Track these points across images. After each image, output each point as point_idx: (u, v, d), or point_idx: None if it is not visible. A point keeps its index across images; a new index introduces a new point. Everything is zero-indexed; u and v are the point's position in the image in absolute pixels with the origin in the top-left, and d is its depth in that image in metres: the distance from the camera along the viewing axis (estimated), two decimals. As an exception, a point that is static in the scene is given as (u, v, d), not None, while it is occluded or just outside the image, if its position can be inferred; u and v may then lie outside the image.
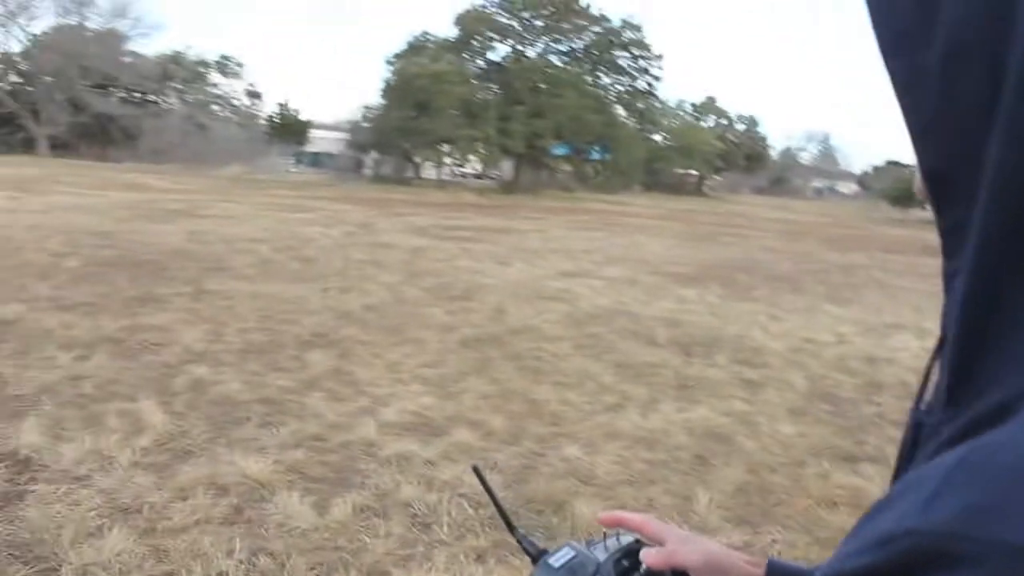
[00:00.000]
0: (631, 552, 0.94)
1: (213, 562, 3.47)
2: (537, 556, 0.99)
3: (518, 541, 1.06)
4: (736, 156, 72.67)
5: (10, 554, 3.51)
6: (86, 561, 3.43)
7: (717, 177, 73.14)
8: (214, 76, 65.48)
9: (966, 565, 0.33)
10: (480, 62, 50.62)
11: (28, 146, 56.95)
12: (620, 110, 51.51)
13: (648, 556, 0.89)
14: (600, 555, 0.95)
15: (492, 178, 57.23)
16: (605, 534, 1.00)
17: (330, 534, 3.83)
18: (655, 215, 33.90)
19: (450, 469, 4.65)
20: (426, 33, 50.51)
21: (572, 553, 0.96)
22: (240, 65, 64.90)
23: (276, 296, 9.42)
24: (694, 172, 67.65)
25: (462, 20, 49.02)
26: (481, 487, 1.13)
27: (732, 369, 7.39)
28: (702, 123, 71.70)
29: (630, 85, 51.26)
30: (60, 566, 3.41)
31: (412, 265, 12.87)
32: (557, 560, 0.96)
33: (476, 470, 1.15)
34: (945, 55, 0.43)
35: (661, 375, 7.02)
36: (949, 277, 0.47)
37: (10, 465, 4.41)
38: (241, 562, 3.49)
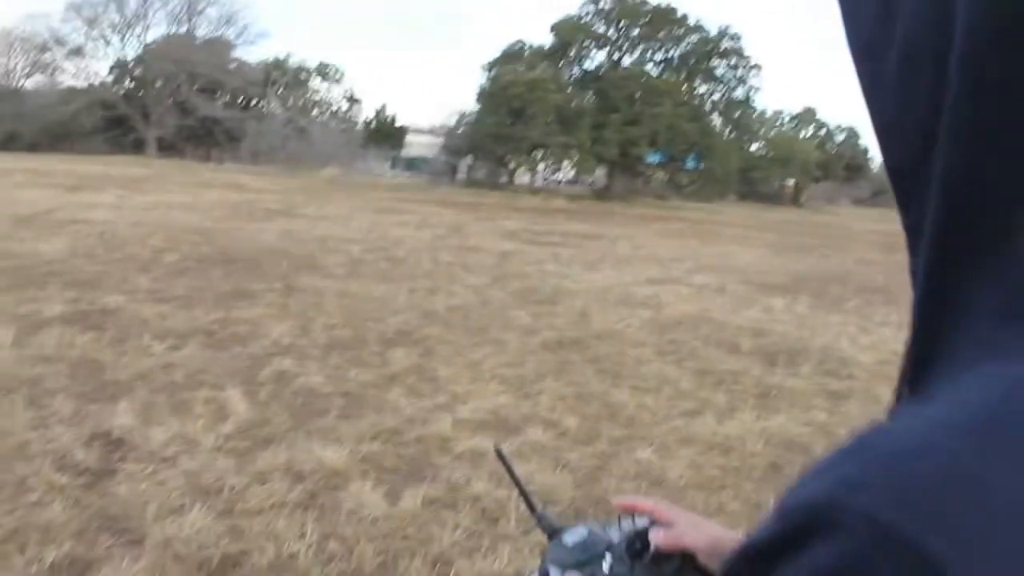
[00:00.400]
0: (644, 534, 0.97)
1: (285, 544, 3.59)
2: (553, 534, 1.02)
3: (537, 519, 1.09)
4: (835, 166, 70.98)
5: (101, 525, 3.70)
6: (168, 536, 3.59)
7: (815, 187, 71.53)
8: (315, 82, 67.20)
9: (837, 535, 0.35)
10: (576, 70, 50.65)
11: (138, 147, 59.37)
12: (716, 119, 50.89)
13: (657, 537, 0.92)
14: (614, 536, 0.98)
15: (586, 185, 57.20)
16: (620, 517, 1.02)
17: (399, 523, 3.91)
18: (749, 224, 33.38)
19: (522, 466, 4.68)
20: (521, 41, 50.81)
21: (586, 532, 0.99)
22: (340, 71, 66.42)
23: (363, 295, 9.62)
24: (791, 182, 66.34)
25: (559, 28, 49.11)
26: (504, 470, 1.16)
27: (816, 380, 7.26)
28: (801, 133, 70.31)
29: (727, 94, 50.59)
30: (144, 539, 3.57)
31: (499, 268, 12.96)
32: (571, 538, 0.99)
33: (498, 452, 1.19)
34: (900, 61, 0.45)
35: (742, 383, 6.94)
36: (913, 274, 0.49)
37: (104, 444, 4.63)
38: (311, 545, 3.60)
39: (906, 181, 0.47)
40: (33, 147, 56.38)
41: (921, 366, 0.46)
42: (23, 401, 5.15)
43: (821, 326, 9.97)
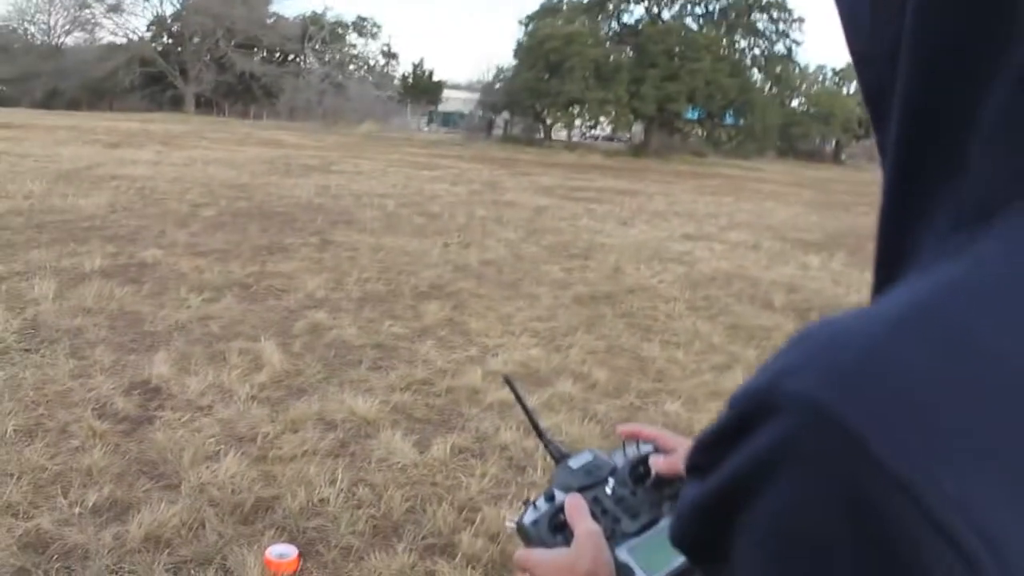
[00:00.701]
0: (646, 460, 1.00)
1: (316, 489, 3.68)
2: (560, 459, 1.06)
3: (545, 445, 1.12)
4: (878, 123, 69.63)
5: (140, 470, 3.82)
6: (203, 481, 3.70)
7: (856, 144, 70.29)
8: (352, 37, 67.06)
9: (776, 416, 0.38)
10: (614, 24, 50.00)
11: (176, 103, 59.81)
12: (756, 74, 50.06)
13: (657, 462, 0.95)
14: (619, 460, 1.01)
15: (623, 141, 56.74)
16: (625, 444, 1.05)
17: (428, 471, 3.99)
18: (787, 182, 33.01)
19: (551, 418, 4.74)
20: (561, -6, 50.24)
21: (591, 456, 1.02)
22: (377, 26, 66.33)
23: (398, 249, 9.69)
24: (833, 139, 65.28)
25: (597, -19, 48.46)
26: (513, 396, 1.19)
27: (849, 336, 7.21)
28: (844, 89, 68.98)
29: (768, 48, 49.64)
30: (180, 483, 3.68)
31: (534, 223, 12.97)
32: (577, 462, 1.02)
33: (507, 380, 1.22)
34: None
35: (773, 338, 6.93)
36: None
37: (143, 393, 4.75)
38: (342, 491, 3.69)
39: (878, 104, 0.50)
40: (73, 104, 57.04)
41: (884, 273, 0.49)
42: (65, 351, 5.29)
43: (856, 283, 9.90)
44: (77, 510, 3.40)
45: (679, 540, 0.47)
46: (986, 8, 0.42)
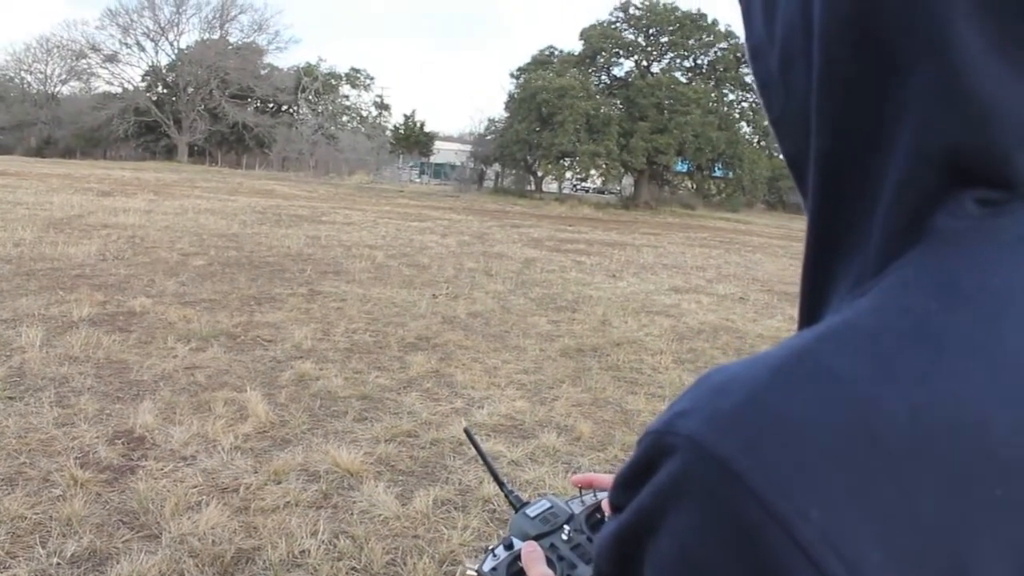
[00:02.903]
0: (601, 506, 1.03)
1: (297, 540, 3.68)
2: (519, 507, 1.09)
3: (505, 495, 1.15)
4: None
5: (120, 520, 3.81)
6: (184, 531, 3.69)
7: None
8: (345, 88, 67.73)
9: (671, 455, 0.42)
10: (604, 77, 50.60)
11: (169, 152, 60.20)
12: (745, 127, 50.59)
13: (608, 507, 0.99)
14: (576, 508, 1.04)
15: (613, 193, 57.11)
16: (581, 491, 1.08)
17: (410, 523, 3.99)
18: (776, 234, 33.24)
19: (534, 470, 4.76)
20: (551, 47, 50.93)
21: (548, 504, 1.06)
22: (371, 78, 67.11)
23: (386, 300, 9.72)
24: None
25: (587, 35, 49.11)
26: (473, 448, 1.23)
27: (833, 389, 7.24)
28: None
29: (756, 102, 50.04)
30: (160, 534, 3.67)
31: (522, 275, 13.03)
32: (534, 510, 1.05)
33: (467, 432, 1.26)
34: (779, 61, 0.53)
35: (758, 392, 6.95)
36: None
37: (126, 442, 4.75)
38: (323, 543, 3.69)
39: (798, 169, 0.55)
40: (68, 152, 57.35)
41: (803, 327, 0.54)
42: (50, 399, 5.29)
43: (842, 336, 9.93)
44: (55, 560, 3.39)
45: (599, 573, 0.51)
46: (872, 90, 0.46)
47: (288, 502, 4.10)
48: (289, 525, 3.83)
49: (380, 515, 4.04)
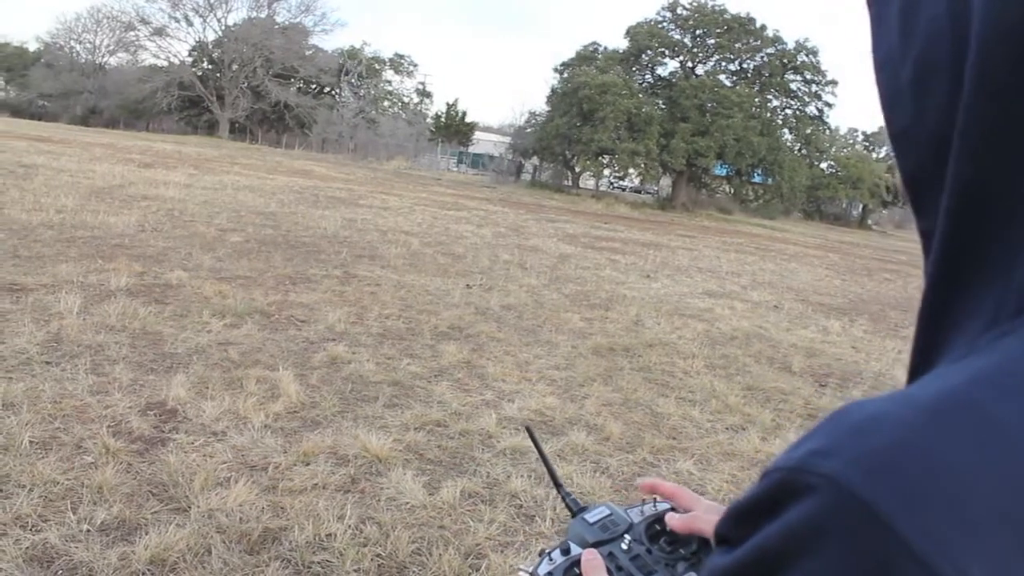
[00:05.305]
0: (663, 518, 1.00)
1: (324, 523, 3.68)
2: (577, 512, 1.06)
3: (563, 497, 1.13)
4: (907, 191, 69.52)
5: (150, 491, 3.83)
6: (212, 507, 3.70)
7: (884, 211, 70.13)
8: (388, 73, 67.96)
9: (807, 495, 0.40)
10: (648, 76, 50.36)
11: (211, 128, 60.73)
12: (787, 134, 50.12)
13: (672, 520, 0.95)
14: (635, 517, 1.02)
15: (650, 193, 56.91)
16: (644, 500, 1.06)
17: (436, 513, 3.98)
18: (812, 244, 32.95)
19: (562, 468, 4.72)
20: (596, 43, 50.73)
21: (607, 511, 1.03)
22: (414, 64, 67.23)
23: (420, 287, 9.73)
24: (860, 204, 65.15)
25: (633, 33, 48.88)
26: (533, 446, 1.20)
27: (867, 404, 7.15)
28: (873, 153, 68.98)
29: (799, 109, 49.69)
30: (189, 508, 3.69)
31: (557, 270, 13.00)
32: (593, 516, 1.02)
33: (528, 430, 1.23)
34: (915, 73, 0.49)
35: (790, 402, 6.89)
36: (925, 274, 0.53)
37: (159, 414, 4.78)
38: (349, 527, 3.68)
39: (919, 188, 0.51)
40: (111, 122, 58.04)
41: (920, 359, 0.51)
42: (85, 367, 5.33)
43: (877, 351, 9.84)
44: (85, 527, 3.41)
45: None
46: None
47: (316, 484, 4.11)
48: (316, 507, 3.83)
49: (407, 503, 4.03)
